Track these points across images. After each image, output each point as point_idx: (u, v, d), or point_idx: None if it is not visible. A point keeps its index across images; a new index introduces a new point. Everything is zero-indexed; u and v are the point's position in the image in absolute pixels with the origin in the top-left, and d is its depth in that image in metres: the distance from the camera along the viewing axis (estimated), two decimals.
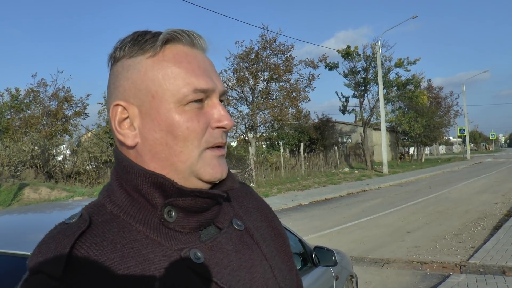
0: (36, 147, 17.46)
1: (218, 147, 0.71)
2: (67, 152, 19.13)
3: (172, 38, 0.69)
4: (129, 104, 0.69)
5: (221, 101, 0.73)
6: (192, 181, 0.69)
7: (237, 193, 0.86)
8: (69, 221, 0.67)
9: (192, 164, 0.68)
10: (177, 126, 0.67)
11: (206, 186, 0.71)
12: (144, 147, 0.69)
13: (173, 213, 0.68)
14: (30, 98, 22.71)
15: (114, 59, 0.72)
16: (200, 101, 0.69)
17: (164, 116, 0.67)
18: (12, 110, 22.33)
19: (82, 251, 0.62)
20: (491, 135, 67.70)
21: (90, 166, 18.34)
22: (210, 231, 0.73)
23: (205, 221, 0.72)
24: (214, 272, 0.68)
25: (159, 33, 0.70)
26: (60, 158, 18.59)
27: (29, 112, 22.63)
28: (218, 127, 0.70)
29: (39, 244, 0.65)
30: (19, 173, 16.30)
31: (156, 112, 0.68)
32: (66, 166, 18.07)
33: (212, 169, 0.70)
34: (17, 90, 22.56)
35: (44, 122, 21.95)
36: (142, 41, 0.69)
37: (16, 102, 22.45)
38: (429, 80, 43.71)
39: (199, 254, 0.68)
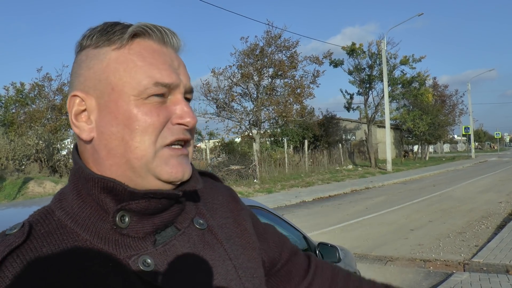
0: (40, 141, 17.53)
1: (180, 146, 0.68)
2: (72, 146, 19.20)
3: (142, 32, 0.67)
4: (87, 95, 0.66)
5: (188, 99, 0.71)
6: (150, 180, 0.65)
7: (202, 189, 0.80)
8: (10, 231, 0.62)
9: (148, 161, 0.64)
10: (135, 120, 0.63)
11: (167, 187, 0.67)
12: (100, 142, 0.65)
13: (126, 218, 0.64)
14: (35, 93, 22.74)
15: (80, 47, 0.69)
16: (162, 95, 0.66)
17: (122, 109, 0.64)
18: (17, 104, 22.39)
19: (9, 271, 0.57)
20: (496, 134, 67.52)
21: None
22: (168, 233, 0.69)
23: (162, 224, 0.68)
24: (165, 279, 0.64)
25: (129, 26, 0.67)
26: (64, 152, 18.65)
27: (34, 106, 22.68)
28: (179, 124, 0.67)
29: None
30: (23, 167, 16.38)
31: (114, 105, 0.64)
32: (71, 161, 18.11)
33: (171, 168, 0.66)
34: (22, 84, 22.62)
35: (49, 116, 21.98)
36: (110, 32, 0.66)
37: (21, 96, 22.50)
38: (434, 78, 43.70)
39: (149, 260, 0.64)
